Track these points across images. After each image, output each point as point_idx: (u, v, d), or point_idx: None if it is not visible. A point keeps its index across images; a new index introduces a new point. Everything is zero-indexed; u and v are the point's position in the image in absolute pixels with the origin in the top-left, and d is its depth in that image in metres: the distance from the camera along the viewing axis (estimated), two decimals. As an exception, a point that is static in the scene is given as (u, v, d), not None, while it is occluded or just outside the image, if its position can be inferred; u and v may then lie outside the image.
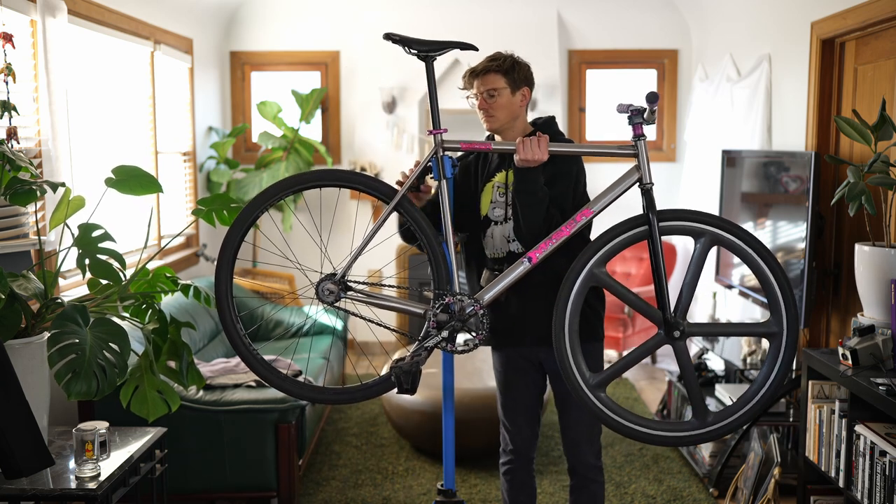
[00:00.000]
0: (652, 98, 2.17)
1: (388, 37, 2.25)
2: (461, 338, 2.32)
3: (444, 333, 2.26)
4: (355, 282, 2.32)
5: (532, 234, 2.43)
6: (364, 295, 2.31)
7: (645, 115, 2.23)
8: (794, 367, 3.94)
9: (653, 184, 2.23)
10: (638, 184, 2.26)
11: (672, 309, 2.24)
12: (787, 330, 2.21)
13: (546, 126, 2.65)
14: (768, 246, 4.01)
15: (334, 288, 2.28)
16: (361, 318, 2.28)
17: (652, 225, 2.21)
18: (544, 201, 2.42)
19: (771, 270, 2.20)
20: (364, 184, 2.32)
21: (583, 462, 2.69)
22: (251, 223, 2.30)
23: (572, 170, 2.54)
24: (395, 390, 2.23)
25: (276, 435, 3.33)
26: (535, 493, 2.82)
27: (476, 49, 2.31)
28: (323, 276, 2.30)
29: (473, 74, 2.57)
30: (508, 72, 2.54)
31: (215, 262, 2.37)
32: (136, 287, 2.78)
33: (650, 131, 6.39)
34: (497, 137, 2.65)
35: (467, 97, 2.62)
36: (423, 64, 2.32)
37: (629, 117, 2.25)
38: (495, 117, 2.56)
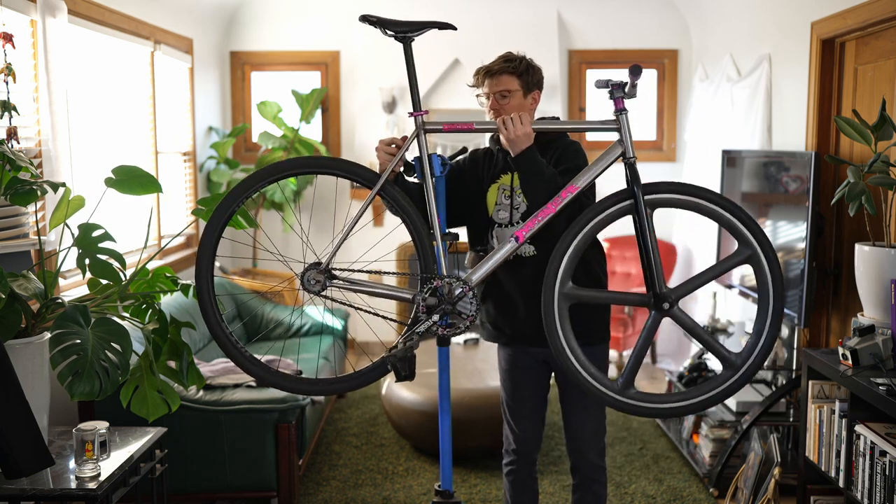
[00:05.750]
0: (635, 71, 2.19)
1: (365, 18, 2.22)
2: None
3: (435, 317, 2.24)
4: (341, 269, 2.30)
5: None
6: (350, 283, 2.28)
7: (626, 89, 2.25)
8: (794, 366, 3.95)
9: (636, 157, 2.26)
10: (622, 158, 2.28)
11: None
12: (759, 246, 2.22)
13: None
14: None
15: (320, 277, 2.25)
16: (351, 306, 2.26)
17: (637, 198, 2.23)
18: (555, 179, 2.38)
19: (723, 208, 2.23)
20: (344, 169, 2.27)
21: (587, 461, 2.69)
22: (231, 214, 2.25)
23: (581, 164, 2.53)
24: (394, 379, 2.23)
25: (276, 435, 3.32)
26: (538, 494, 2.81)
27: (455, 28, 2.29)
28: (307, 265, 2.27)
29: (488, 74, 2.54)
30: (523, 74, 2.53)
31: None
32: (136, 287, 2.77)
33: (650, 132, 6.39)
34: (503, 139, 2.62)
35: (477, 95, 2.59)
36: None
37: (610, 92, 2.28)
38: None
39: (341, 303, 2.31)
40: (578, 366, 2.24)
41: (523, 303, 2.59)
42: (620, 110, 2.29)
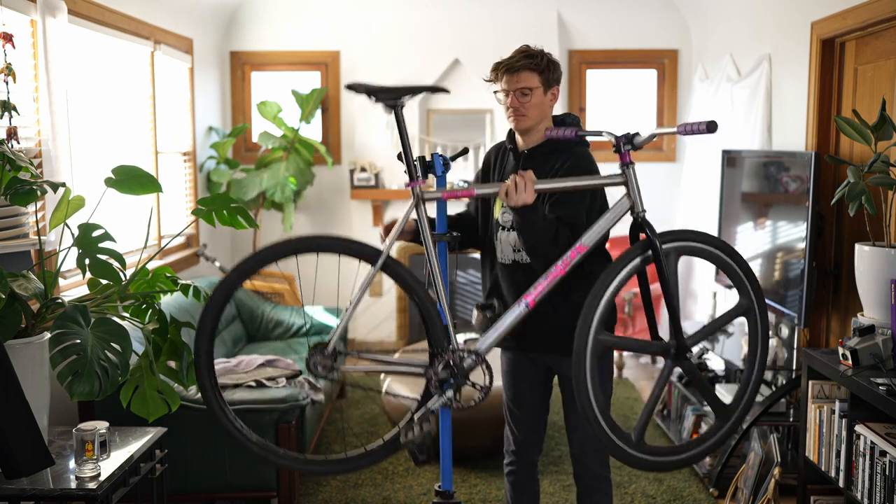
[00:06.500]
0: (712, 127, 2.09)
1: (352, 87, 2.09)
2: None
3: (449, 393, 2.17)
4: (346, 352, 2.21)
5: (544, 258, 2.32)
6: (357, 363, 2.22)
7: (635, 142, 2.18)
8: (794, 366, 3.95)
9: (645, 211, 2.20)
10: (630, 213, 2.23)
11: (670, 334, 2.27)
12: (756, 300, 2.33)
13: (572, 127, 2.52)
14: (768, 246, 4.03)
15: (327, 361, 2.14)
16: (363, 388, 2.24)
17: (657, 250, 2.17)
18: (549, 228, 2.30)
19: (732, 258, 2.29)
20: (346, 249, 2.15)
21: (588, 470, 2.64)
22: (225, 303, 2.12)
23: (585, 190, 2.44)
24: (413, 463, 2.16)
25: (276, 435, 3.32)
26: (538, 495, 2.80)
27: (447, 92, 2.20)
28: (311, 347, 2.15)
29: (508, 70, 2.43)
30: (544, 71, 2.44)
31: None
32: (136, 287, 2.77)
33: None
34: (517, 137, 2.56)
35: (495, 92, 2.49)
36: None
37: (616, 146, 2.20)
38: (526, 117, 2.45)
39: (352, 385, 2.27)
40: (600, 416, 2.18)
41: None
42: (627, 164, 2.21)
